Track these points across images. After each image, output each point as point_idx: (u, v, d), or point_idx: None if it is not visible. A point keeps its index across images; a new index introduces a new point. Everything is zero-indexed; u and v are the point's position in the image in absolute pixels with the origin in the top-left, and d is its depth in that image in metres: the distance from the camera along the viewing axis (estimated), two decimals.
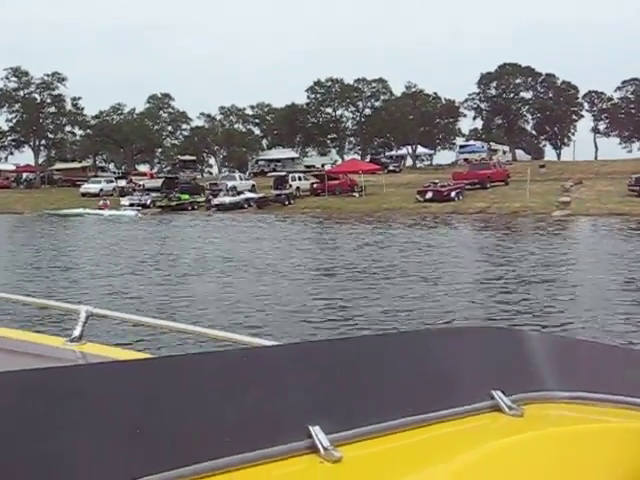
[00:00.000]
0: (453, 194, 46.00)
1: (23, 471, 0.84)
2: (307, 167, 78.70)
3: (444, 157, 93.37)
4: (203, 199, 55.32)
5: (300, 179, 57.77)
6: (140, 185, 60.71)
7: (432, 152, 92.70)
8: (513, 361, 1.34)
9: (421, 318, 12.72)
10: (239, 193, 54.16)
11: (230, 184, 58.24)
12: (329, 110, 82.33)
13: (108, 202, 52.07)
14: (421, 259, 22.34)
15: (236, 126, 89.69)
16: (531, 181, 54.12)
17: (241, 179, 61.50)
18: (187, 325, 2.04)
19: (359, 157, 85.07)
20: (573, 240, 27.93)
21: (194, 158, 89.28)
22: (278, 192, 54.47)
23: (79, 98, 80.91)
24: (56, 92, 78.84)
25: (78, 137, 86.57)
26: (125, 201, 52.42)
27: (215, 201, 52.32)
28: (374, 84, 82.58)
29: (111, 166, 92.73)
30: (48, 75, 77.90)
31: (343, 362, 1.20)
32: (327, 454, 1.01)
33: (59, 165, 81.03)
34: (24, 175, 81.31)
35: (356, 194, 52.72)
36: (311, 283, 17.52)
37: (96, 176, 73.72)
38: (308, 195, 54.68)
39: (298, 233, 32.95)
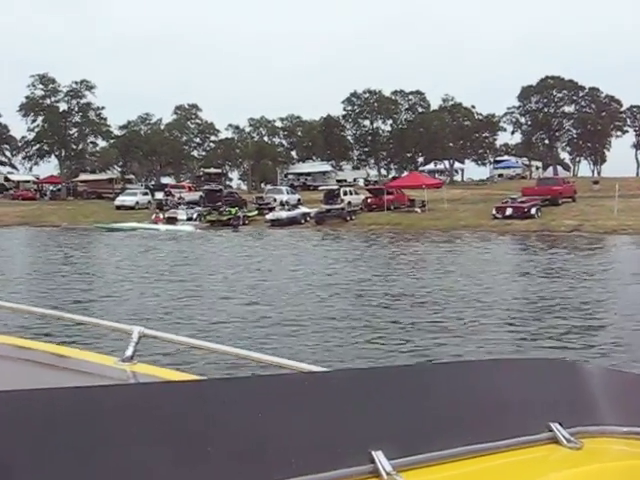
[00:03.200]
0: (533, 210, 43.14)
1: None
2: (339, 181, 75.95)
3: (475, 172, 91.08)
4: (254, 213, 52.19)
5: (351, 193, 54.76)
6: (180, 198, 57.58)
7: (464, 167, 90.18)
8: (572, 394, 1.34)
9: None
10: (294, 207, 51.05)
11: (278, 198, 55.31)
12: (366, 123, 79.45)
13: (161, 216, 48.84)
14: None
15: (265, 138, 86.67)
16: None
17: (288, 193, 58.37)
18: (238, 349, 1.90)
19: (384, 172, 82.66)
20: None
21: (220, 171, 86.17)
22: (329, 207, 51.46)
23: (102, 108, 78.16)
24: (84, 100, 75.88)
25: (98, 148, 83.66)
26: (182, 215, 49.13)
27: (270, 216, 49.09)
28: (411, 96, 79.97)
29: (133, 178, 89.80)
30: (76, 83, 75.02)
31: (404, 389, 1.21)
32: (389, 479, 1.03)
33: (84, 176, 77.85)
34: (45, 186, 78.24)
35: (418, 210, 49.74)
36: None
37: (124, 188, 70.69)
38: (359, 210, 51.64)
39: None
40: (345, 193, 53.68)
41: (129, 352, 1.87)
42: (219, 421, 1.01)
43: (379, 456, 1.03)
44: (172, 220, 47.76)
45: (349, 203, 52.19)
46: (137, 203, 60.75)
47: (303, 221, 48.94)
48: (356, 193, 55.30)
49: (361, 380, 1.22)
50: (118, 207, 59.84)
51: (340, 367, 8.26)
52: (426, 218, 45.80)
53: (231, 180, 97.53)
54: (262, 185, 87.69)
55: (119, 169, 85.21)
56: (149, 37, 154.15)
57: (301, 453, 1.00)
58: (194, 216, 50.87)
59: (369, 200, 53.28)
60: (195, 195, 60.18)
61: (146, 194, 64.15)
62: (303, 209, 50.83)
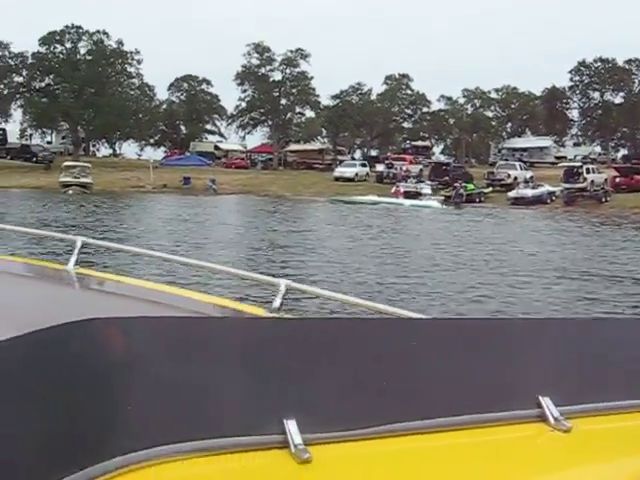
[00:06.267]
0: None
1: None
2: (557, 158, 70.62)
3: None
4: (488, 190, 48.52)
5: (594, 171, 49.71)
6: (407, 171, 54.81)
7: None
8: None
9: None
10: (538, 185, 46.92)
11: (512, 174, 51.37)
12: (595, 95, 73.02)
13: (401, 189, 46.35)
14: None
15: (479, 111, 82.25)
16: None
17: (521, 168, 54.15)
18: (380, 304, 1.93)
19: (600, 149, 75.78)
20: None
21: (427, 144, 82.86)
22: (569, 185, 46.83)
23: (311, 78, 76.69)
24: (297, 69, 74.78)
25: (304, 119, 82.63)
26: (427, 189, 46.42)
27: (513, 193, 45.44)
28: None
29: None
30: (291, 51, 73.90)
31: (574, 340, 1.24)
32: (557, 424, 1.04)
33: (294, 146, 77.15)
34: (253, 156, 78.24)
35: None
36: None
37: (335, 160, 69.10)
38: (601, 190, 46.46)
39: None
40: (588, 171, 48.80)
41: (277, 303, 1.94)
42: (390, 357, 1.01)
43: (546, 402, 1.05)
44: (411, 194, 45.01)
45: (592, 182, 47.37)
46: (356, 175, 58.78)
47: (549, 201, 44.82)
48: (599, 171, 50.30)
49: (529, 329, 1.24)
50: (337, 178, 58.22)
51: None
52: None
53: (434, 154, 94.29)
54: (470, 160, 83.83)
55: (323, 140, 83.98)
56: (344, 11, 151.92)
57: (471, 393, 1.02)
58: (424, 190, 47.96)
59: (617, 179, 48.16)
60: (416, 168, 57.45)
61: (364, 166, 62.07)
62: (547, 187, 46.57)
